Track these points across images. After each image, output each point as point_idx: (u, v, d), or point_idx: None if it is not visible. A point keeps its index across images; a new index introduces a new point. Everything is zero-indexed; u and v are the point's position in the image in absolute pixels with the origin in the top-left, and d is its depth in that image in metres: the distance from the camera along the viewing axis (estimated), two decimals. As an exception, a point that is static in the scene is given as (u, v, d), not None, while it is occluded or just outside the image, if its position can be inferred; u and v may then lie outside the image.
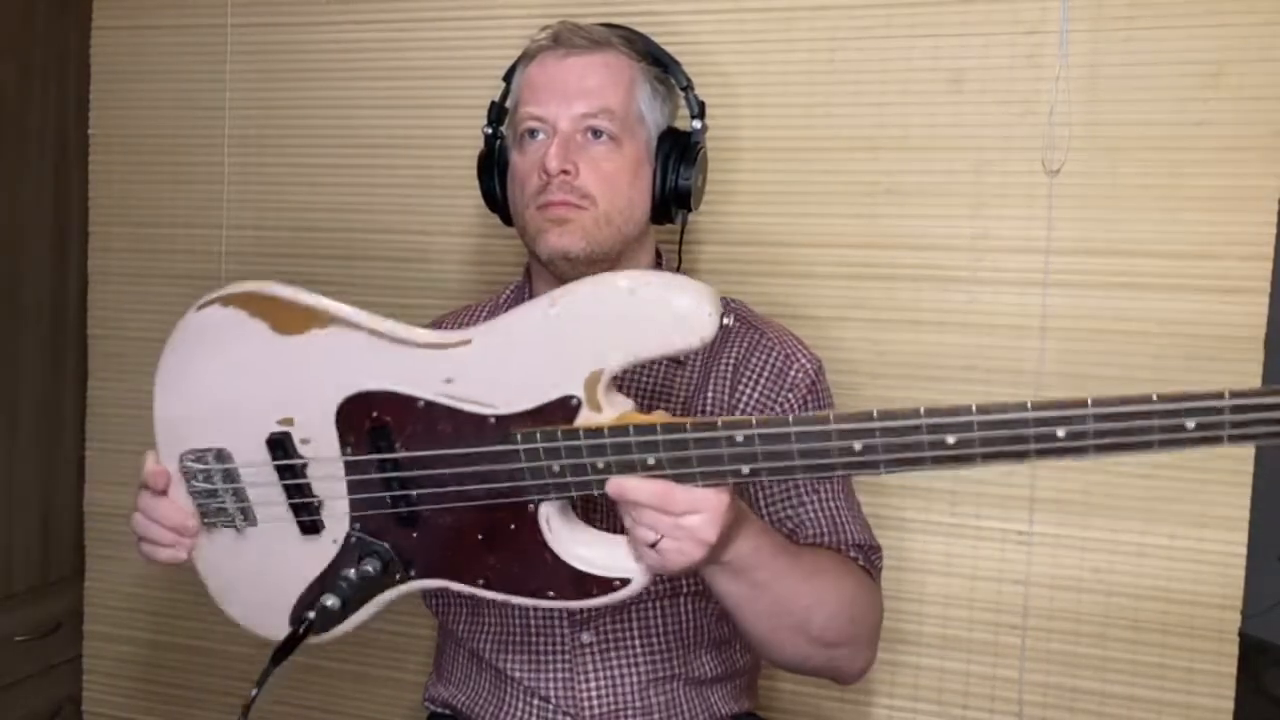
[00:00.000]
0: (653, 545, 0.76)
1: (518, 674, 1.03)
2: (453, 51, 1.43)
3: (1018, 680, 1.25)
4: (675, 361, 1.03)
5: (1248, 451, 1.16)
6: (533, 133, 1.02)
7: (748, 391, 1.02)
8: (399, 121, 1.46)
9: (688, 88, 1.08)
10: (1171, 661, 1.20)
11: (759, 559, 0.84)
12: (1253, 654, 1.30)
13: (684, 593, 1.03)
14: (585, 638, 1.02)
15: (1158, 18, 1.17)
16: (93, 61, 1.60)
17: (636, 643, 1.02)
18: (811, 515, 1.00)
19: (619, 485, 0.75)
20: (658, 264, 1.10)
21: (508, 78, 1.09)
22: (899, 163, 1.26)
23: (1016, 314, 1.22)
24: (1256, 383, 1.15)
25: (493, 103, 1.10)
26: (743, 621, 0.88)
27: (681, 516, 0.75)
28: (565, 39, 1.02)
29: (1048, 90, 1.20)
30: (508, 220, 1.10)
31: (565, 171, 0.98)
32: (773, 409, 1.02)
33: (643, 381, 1.03)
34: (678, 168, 1.04)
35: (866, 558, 1.00)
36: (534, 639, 1.03)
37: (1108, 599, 1.22)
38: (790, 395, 1.02)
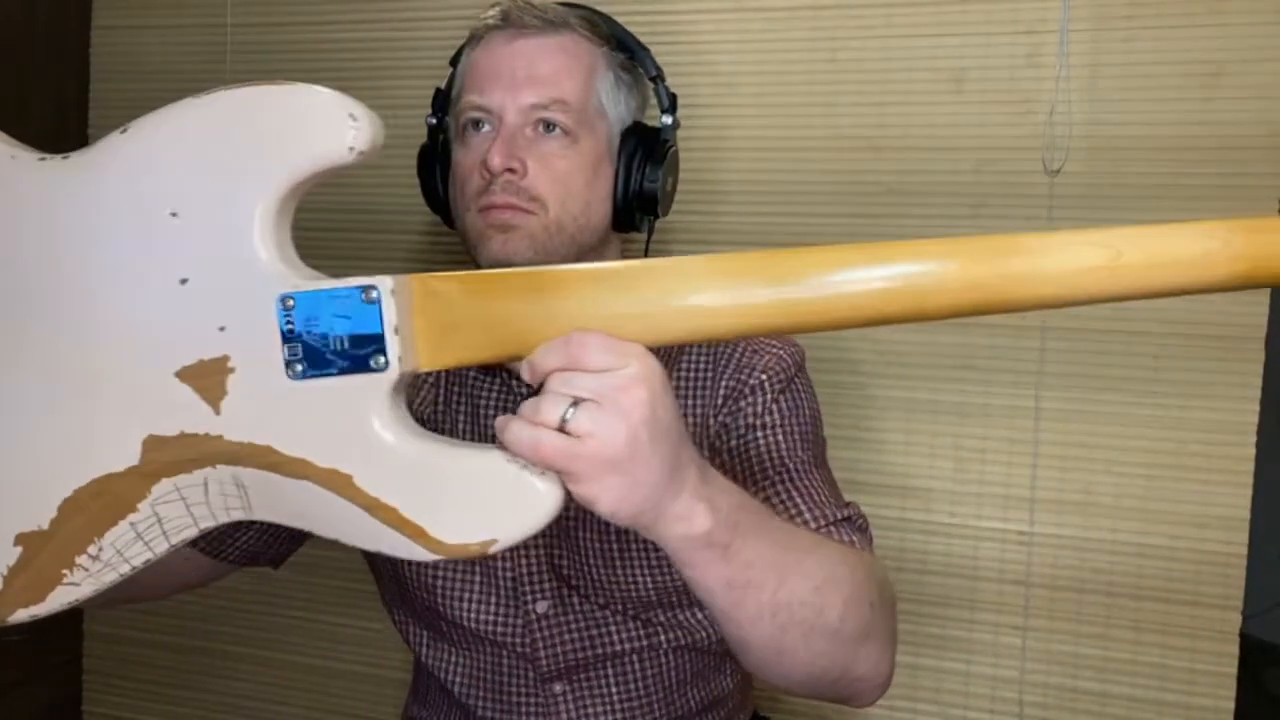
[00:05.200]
0: (561, 427, 0.56)
1: (488, 714, 0.96)
2: (453, 51, 1.42)
3: (1018, 681, 1.25)
4: None
5: (1248, 451, 1.16)
6: (476, 124, 0.90)
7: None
8: (399, 122, 1.45)
9: (657, 78, 0.96)
10: (1172, 662, 1.20)
11: (746, 519, 0.65)
12: (1253, 654, 1.29)
13: (663, 648, 0.95)
14: (557, 688, 0.94)
15: (1158, 18, 1.16)
16: (93, 61, 1.60)
17: (613, 692, 0.95)
18: (783, 498, 0.84)
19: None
20: None
21: (454, 62, 0.97)
22: (900, 162, 1.25)
23: (1016, 313, 1.22)
24: (1257, 383, 1.15)
25: (438, 90, 0.99)
26: (742, 628, 0.68)
27: (605, 372, 0.57)
28: (515, 18, 0.89)
29: (1048, 90, 1.20)
30: (450, 223, 0.98)
31: (511, 170, 0.85)
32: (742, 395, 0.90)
33: None
34: (643, 168, 0.91)
35: (860, 535, 0.84)
36: (505, 679, 0.95)
37: (1108, 599, 1.22)
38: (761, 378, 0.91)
